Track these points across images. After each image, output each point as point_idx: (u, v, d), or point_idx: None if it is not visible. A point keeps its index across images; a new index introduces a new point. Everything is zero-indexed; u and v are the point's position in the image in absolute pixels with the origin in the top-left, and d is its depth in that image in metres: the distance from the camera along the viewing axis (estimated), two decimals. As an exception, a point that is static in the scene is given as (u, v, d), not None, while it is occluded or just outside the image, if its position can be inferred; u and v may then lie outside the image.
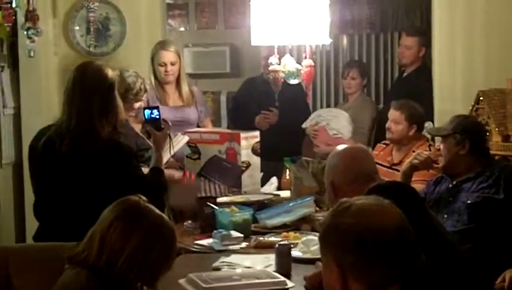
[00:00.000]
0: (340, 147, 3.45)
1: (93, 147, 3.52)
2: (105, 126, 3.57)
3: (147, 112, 3.98)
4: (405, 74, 6.27)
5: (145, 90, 4.64)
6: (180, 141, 4.55)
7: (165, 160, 4.04)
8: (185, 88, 5.36)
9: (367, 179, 3.04)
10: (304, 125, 6.05)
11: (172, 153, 4.30)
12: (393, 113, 5.07)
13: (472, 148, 4.03)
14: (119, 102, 3.68)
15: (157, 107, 4.06)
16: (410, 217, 2.45)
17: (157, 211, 2.63)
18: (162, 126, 3.93)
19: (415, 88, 5.73)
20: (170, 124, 4.05)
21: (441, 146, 4.15)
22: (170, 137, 4.07)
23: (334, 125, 5.91)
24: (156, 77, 5.31)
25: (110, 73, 3.65)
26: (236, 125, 5.58)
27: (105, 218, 2.57)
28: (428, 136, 5.18)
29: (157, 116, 3.96)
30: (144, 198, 2.68)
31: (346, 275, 1.94)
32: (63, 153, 3.53)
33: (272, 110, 5.84)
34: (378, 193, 2.53)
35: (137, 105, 4.63)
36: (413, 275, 1.95)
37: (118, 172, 3.54)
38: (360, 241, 1.94)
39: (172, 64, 5.28)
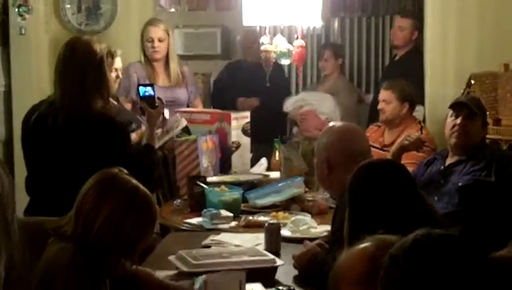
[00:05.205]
0: (336, 125, 3.42)
1: (87, 122, 3.51)
2: (98, 101, 3.55)
3: (142, 89, 3.96)
4: (397, 58, 6.28)
5: (112, 57, 4.53)
6: (179, 124, 4.56)
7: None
8: (174, 68, 5.34)
9: (364, 158, 3.01)
10: (287, 109, 6.01)
11: (169, 137, 4.33)
12: (383, 94, 5.06)
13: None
14: (110, 76, 3.67)
15: (151, 85, 4.04)
16: (399, 194, 2.46)
17: (134, 181, 2.63)
18: (156, 104, 3.91)
19: (407, 72, 5.72)
20: (164, 102, 4.04)
21: (469, 123, 4.05)
22: (164, 115, 4.06)
23: (324, 110, 5.89)
24: (145, 55, 5.30)
25: (99, 47, 3.63)
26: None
27: (83, 189, 2.61)
28: (420, 118, 5.19)
29: (152, 94, 3.94)
30: (125, 170, 2.68)
31: None
32: (56, 128, 3.51)
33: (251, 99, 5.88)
34: (368, 170, 2.54)
35: (112, 76, 4.50)
36: None
37: (110, 148, 3.52)
38: None
39: (160, 40, 5.26)
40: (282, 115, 6.10)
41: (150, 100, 3.91)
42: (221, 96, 6.17)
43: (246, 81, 5.95)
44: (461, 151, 4.05)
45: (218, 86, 6.51)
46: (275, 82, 5.70)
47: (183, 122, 4.64)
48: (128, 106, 5.22)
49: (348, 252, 1.88)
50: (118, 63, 4.61)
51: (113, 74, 4.49)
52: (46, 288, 2.49)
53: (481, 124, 4.06)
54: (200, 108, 5.46)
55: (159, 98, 3.95)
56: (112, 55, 4.44)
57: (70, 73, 3.56)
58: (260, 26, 4.73)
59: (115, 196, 2.55)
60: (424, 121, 5.27)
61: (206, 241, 3.57)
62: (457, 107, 4.08)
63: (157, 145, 4.11)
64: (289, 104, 6.02)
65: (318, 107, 5.89)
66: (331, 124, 3.47)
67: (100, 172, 2.67)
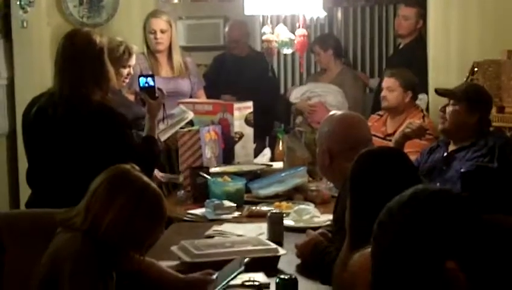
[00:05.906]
0: (336, 114, 3.40)
1: (86, 113, 3.51)
2: (97, 92, 3.55)
3: (142, 80, 3.95)
4: (401, 46, 6.26)
5: (130, 54, 4.54)
6: (187, 116, 4.58)
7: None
8: (177, 59, 5.33)
9: (365, 147, 3.00)
10: (293, 100, 5.99)
11: (175, 129, 4.35)
12: (387, 81, 5.05)
13: (480, 119, 4.05)
14: (110, 68, 3.66)
15: (152, 75, 4.02)
16: (400, 182, 2.45)
17: (145, 179, 2.63)
18: (157, 95, 3.90)
19: (411, 60, 5.70)
20: (165, 93, 4.03)
21: (450, 109, 4.09)
22: (164, 106, 4.05)
23: (333, 102, 5.88)
24: (148, 47, 5.30)
25: (99, 39, 3.63)
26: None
27: (93, 184, 2.60)
28: (423, 106, 5.18)
29: (152, 85, 3.93)
30: (137, 167, 2.68)
31: None
32: (56, 120, 3.51)
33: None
34: (368, 157, 2.53)
35: (125, 72, 4.54)
36: None
37: (110, 138, 3.52)
38: None
39: (162, 32, 5.25)
40: (273, 109, 6.11)
41: (150, 91, 3.89)
42: (209, 90, 6.16)
43: (233, 74, 5.96)
44: (451, 137, 4.09)
45: (208, 81, 6.52)
46: (260, 76, 5.71)
47: (191, 114, 4.65)
48: (131, 98, 5.22)
49: (362, 252, 1.86)
50: (133, 60, 4.61)
51: (126, 71, 4.51)
52: (54, 273, 2.50)
53: (467, 110, 4.04)
54: (203, 99, 5.46)
55: (159, 89, 3.94)
56: (129, 52, 4.48)
57: (69, 64, 3.56)
58: (262, 16, 4.74)
59: (125, 193, 2.55)
60: (427, 109, 5.26)
61: (209, 232, 3.58)
62: (438, 94, 4.17)
63: (163, 138, 4.11)
64: (297, 95, 6.02)
65: (327, 98, 5.89)
66: (332, 112, 3.46)
67: (112, 168, 2.66)
